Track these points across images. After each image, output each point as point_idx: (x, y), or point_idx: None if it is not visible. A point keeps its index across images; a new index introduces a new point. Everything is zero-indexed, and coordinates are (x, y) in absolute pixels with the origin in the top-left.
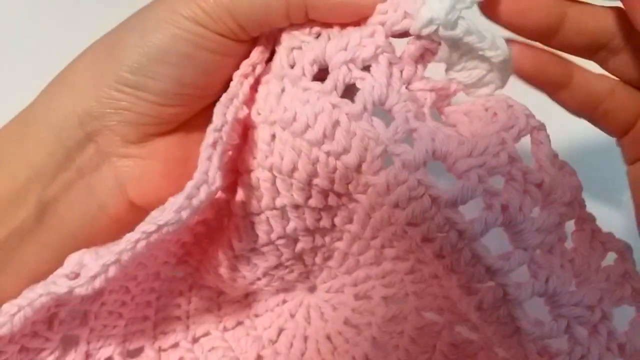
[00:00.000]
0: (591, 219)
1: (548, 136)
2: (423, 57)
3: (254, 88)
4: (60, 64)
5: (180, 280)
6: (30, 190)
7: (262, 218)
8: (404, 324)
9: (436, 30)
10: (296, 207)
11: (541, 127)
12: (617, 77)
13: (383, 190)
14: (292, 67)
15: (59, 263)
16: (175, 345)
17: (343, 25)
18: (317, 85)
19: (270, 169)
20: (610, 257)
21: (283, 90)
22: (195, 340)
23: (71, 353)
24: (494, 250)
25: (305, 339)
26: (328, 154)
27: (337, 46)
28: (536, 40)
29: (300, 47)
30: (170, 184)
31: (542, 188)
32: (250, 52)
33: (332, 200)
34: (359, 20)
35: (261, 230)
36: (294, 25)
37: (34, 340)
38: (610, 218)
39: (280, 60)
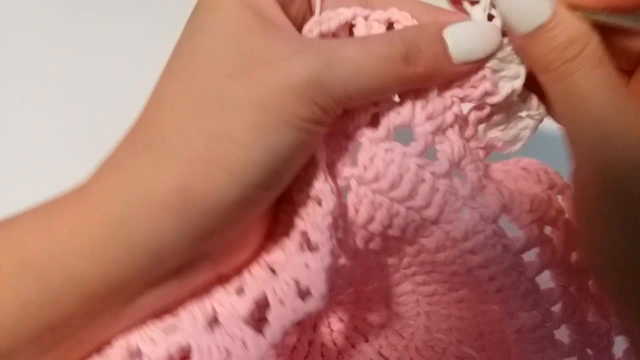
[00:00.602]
0: None
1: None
2: (482, 120)
3: None
4: (60, 64)
5: None
6: (110, 303)
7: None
8: (410, 340)
9: (512, 99)
10: (355, 251)
11: (569, 186)
12: None
13: (460, 237)
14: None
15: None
16: None
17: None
18: (400, 147)
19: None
20: None
21: (358, 146)
22: None
23: None
24: None
25: (310, 342)
26: (409, 208)
27: (424, 115)
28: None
29: (378, 111)
30: (257, 252)
31: (576, 236)
32: None
33: (390, 243)
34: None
35: None
36: None
37: None
38: None
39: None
